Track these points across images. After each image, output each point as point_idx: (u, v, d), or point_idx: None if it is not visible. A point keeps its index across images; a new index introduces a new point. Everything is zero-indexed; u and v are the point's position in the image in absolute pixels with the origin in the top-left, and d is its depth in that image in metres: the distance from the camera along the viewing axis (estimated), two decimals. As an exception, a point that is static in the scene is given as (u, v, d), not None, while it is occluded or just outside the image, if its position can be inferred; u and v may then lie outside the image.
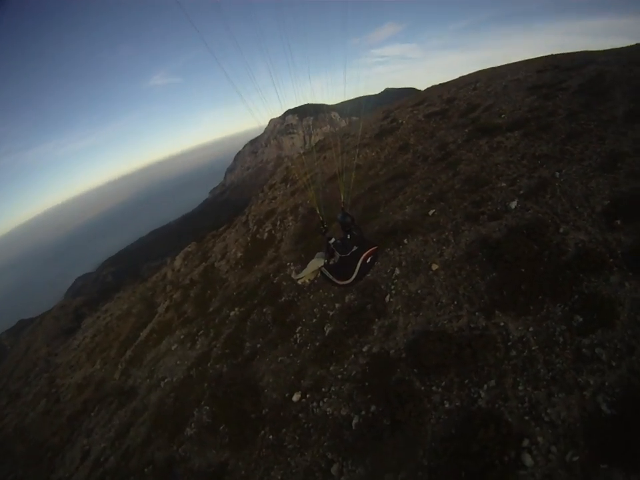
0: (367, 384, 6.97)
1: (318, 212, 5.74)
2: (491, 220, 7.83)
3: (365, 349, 7.58)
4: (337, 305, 9.28)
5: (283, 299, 11.63)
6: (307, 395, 7.69)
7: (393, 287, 8.27)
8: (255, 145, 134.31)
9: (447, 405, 5.69)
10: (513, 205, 7.73)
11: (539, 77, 13.56)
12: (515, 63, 19.00)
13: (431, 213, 9.26)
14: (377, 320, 7.94)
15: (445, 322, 6.86)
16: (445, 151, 11.67)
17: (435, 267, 7.83)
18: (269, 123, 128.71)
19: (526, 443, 4.61)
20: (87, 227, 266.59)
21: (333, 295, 9.84)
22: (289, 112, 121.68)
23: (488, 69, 20.93)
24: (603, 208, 6.70)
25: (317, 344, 8.75)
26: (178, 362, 13.49)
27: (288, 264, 13.46)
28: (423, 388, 6.19)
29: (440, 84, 22.34)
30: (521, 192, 7.95)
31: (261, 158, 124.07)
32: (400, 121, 16.18)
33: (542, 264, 6.43)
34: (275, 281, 13.01)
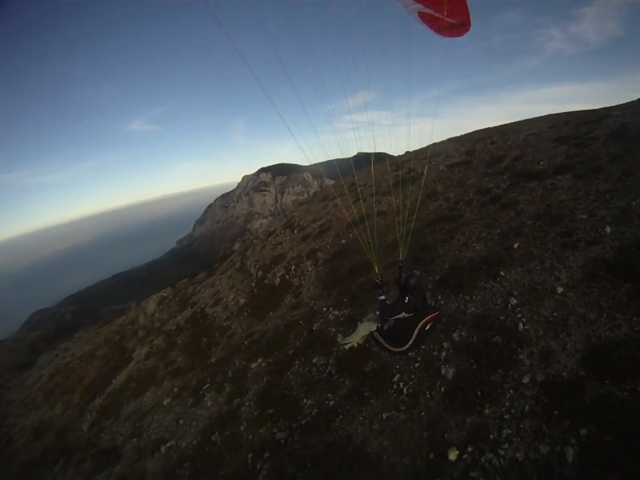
0: (556, 412, 6.48)
1: (376, 270, 5.77)
2: (591, 245, 8.84)
3: (525, 381, 7.14)
4: (445, 345, 8.68)
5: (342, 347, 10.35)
6: (469, 449, 6.64)
7: (519, 315, 8.27)
8: (226, 199, 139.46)
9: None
10: (608, 230, 8.96)
11: (555, 131, 16.61)
12: (516, 122, 23.01)
13: (515, 246, 9.97)
14: (519, 350, 7.69)
15: (607, 333, 7.10)
16: (490, 195, 13.12)
17: (560, 290, 8.25)
18: (242, 179, 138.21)
19: None
20: (49, 262, 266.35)
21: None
22: (263, 170, 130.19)
23: (489, 127, 24.94)
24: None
25: (443, 389, 7.88)
26: (180, 421, 11.85)
27: (324, 309, 12.40)
28: (626, 393, 6.10)
29: (448, 139, 25.56)
30: (608, 220, 9.30)
31: (232, 213, 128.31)
32: (419, 171, 17.68)
33: (669, 267, 7.47)
34: (314, 328, 11.82)
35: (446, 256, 11.37)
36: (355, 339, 5.70)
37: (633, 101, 18.16)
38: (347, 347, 5.82)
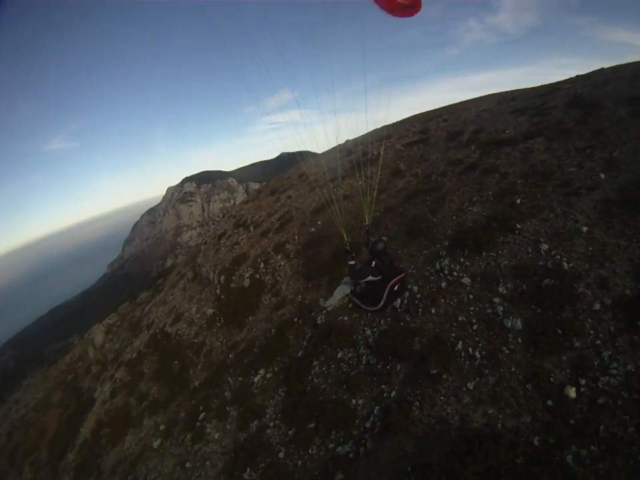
0: (639, 323, 6.94)
1: (345, 238, 6.69)
2: (592, 190, 9.94)
3: (597, 308, 7.55)
4: (496, 300, 8.66)
5: (368, 332, 9.62)
6: (582, 382, 6.68)
7: (558, 257, 8.76)
8: (152, 214, 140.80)
9: None
10: (603, 176, 10.20)
11: (507, 105, 18.19)
12: (460, 102, 24.88)
13: (518, 202, 10.70)
14: (575, 285, 8.10)
15: (642, 258, 7.97)
16: (464, 164, 13.87)
17: (584, 229, 9.06)
18: (167, 191, 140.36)
19: None
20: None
21: (469, 297, 9.12)
22: (187, 179, 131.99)
23: (436, 109, 26.53)
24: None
25: (520, 340, 7.78)
26: (187, 465, 10.32)
27: (320, 300, 11.76)
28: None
29: (393, 123, 26.65)
30: (597, 169, 10.54)
31: (160, 228, 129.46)
32: (375, 152, 17.87)
33: (674, 197, 8.88)
34: (318, 322, 11.10)
35: (443, 223, 11.71)
36: (334, 302, 6.71)
37: (572, 77, 20.59)
38: (329, 309, 7.04)
